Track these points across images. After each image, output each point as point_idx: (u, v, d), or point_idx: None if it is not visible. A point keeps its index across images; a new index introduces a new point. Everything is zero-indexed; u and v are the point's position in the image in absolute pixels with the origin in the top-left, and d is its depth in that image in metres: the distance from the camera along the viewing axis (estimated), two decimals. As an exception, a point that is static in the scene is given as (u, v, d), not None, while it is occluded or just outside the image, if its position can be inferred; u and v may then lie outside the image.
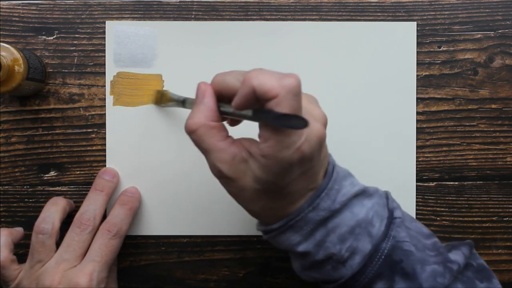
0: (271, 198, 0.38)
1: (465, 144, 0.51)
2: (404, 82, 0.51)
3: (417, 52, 0.51)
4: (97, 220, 0.46)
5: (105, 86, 0.50)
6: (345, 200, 0.39)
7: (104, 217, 0.48)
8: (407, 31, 0.51)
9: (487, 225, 0.52)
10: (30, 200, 0.50)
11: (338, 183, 0.40)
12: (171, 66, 0.50)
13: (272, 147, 0.35)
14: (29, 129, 0.50)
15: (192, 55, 0.50)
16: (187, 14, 0.50)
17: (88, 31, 0.50)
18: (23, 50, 0.46)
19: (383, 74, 0.51)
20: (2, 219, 0.50)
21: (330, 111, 0.50)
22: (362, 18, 0.51)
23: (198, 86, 0.39)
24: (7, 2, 0.50)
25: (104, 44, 0.50)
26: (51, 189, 0.50)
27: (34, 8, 0.50)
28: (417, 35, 0.51)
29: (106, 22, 0.50)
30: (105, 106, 0.50)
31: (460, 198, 0.51)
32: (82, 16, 0.50)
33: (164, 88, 0.50)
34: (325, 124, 0.38)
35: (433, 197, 0.51)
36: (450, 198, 0.51)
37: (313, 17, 0.51)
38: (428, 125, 0.51)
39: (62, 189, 0.50)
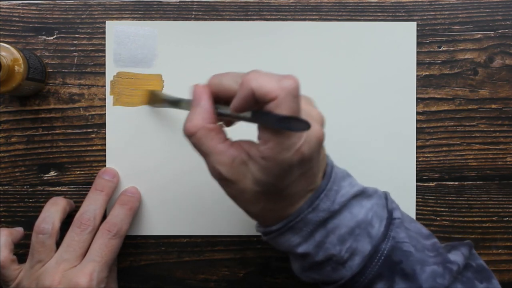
0: (271, 199, 0.38)
1: (465, 144, 0.51)
2: (404, 82, 0.51)
3: (417, 52, 0.51)
4: (97, 220, 0.46)
5: (105, 86, 0.50)
6: (344, 201, 0.39)
7: (104, 217, 0.48)
8: (407, 31, 0.51)
9: (487, 225, 0.52)
10: (30, 200, 0.50)
11: (337, 184, 0.40)
12: (171, 66, 0.50)
13: (272, 149, 0.35)
14: (29, 129, 0.50)
15: (192, 55, 0.50)
16: (187, 14, 0.50)
17: (88, 31, 0.50)
18: (23, 50, 0.46)
19: (383, 74, 0.51)
20: (2, 219, 0.50)
21: (330, 111, 0.51)
22: (362, 18, 0.51)
23: (193, 88, 0.39)
24: (7, 2, 0.50)
25: (104, 44, 0.50)
26: (51, 189, 0.50)
27: (34, 8, 0.50)
28: (417, 35, 0.51)
29: (106, 22, 0.50)
30: (105, 106, 0.50)
31: (460, 198, 0.51)
32: (82, 16, 0.50)
33: (164, 88, 0.50)
34: (323, 125, 0.38)
35: (433, 197, 0.51)
36: (450, 198, 0.51)
37: (313, 17, 0.51)
38: (428, 125, 0.51)
39: (62, 189, 0.50)
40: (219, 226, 0.51)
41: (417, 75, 0.51)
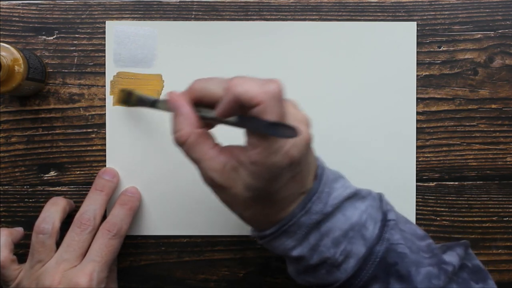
0: (263, 204, 0.38)
1: (465, 144, 0.51)
2: (404, 82, 0.51)
3: (417, 52, 0.51)
4: (97, 220, 0.46)
5: (105, 86, 0.50)
6: (337, 203, 0.39)
7: (104, 217, 0.48)
8: (407, 31, 0.51)
9: (487, 225, 0.52)
10: (30, 200, 0.50)
11: (329, 185, 0.40)
12: (171, 66, 0.50)
13: (260, 153, 0.35)
14: (29, 129, 0.50)
15: (192, 55, 0.50)
16: (187, 14, 0.50)
17: (88, 31, 0.50)
18: (23, 50, 0.46)
19: (383, 74, 0.51)
20: (2, 219, 0.50)
21: (330, 111, 0.51)
22: (362, 18, 0.51)
23: (168, 98, 0.39)
24: (7, 2, 0.50)
25: (104, 44, 0.50)
26: (51, 189, 0.50)
27: (34, 8, 0.50)
28: (417, 35, 0.51)
29: (106, 22, 0.50)
30: (105, 106, 0.50)
31: (460, 198, 0.51)
32: (82, 16, 0.50)
33: (164, 89, 0.50)
34: (309, 127, 0.38)
35: (433, 197, 0.51)
36: (450, 198, 0.51)
37: (313, 17, 0.51)
38: (428, 125, 0.51)
39: (62, 189, 0.50)
40: (219, 226, 0.51)
41: (417, 75, 0.51)
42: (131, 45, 0.50)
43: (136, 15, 0.50)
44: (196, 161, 0.38)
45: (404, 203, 0.51)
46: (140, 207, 0.50)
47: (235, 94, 0.34)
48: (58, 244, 0.45)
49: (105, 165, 0.50)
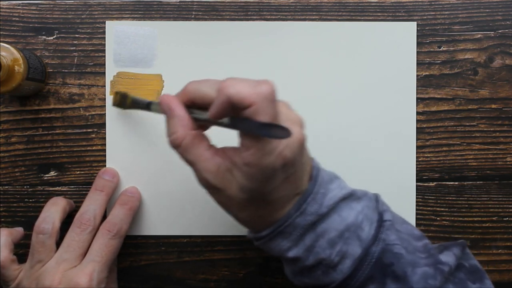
0: (258, 205, 0.38)
1: (465, 144, 0.51)
2: (404, 82, 0.51)
3: (417, 52, 0.51)
4: (97, 220, 0.46)
5: (105, 86, 0.50)
6: (332, 203, 0.39)
7: (104, 217, 0.48)
8: (407, 31, 0.51)
9: (487, 225, 0.52)
10: (30, 200, 0.50)
11: (324, 186, 0.40)
12: (171, 66, 0.50)
13: (253, 154, 0.35)
14: (29, 129, 0.50)
15: (192, 55, 0.50)
16: (187, 14, 0.50)
17: (88, 31, 0.50)
18: (23, 50, 0.46)
19: (383, 74, 0.51)
20: (2, 219, 0.50)
21: (330, 111, 0.51)
22: (362, 18, 0.51)
23: (161, 101, 0.39)
24: (7, 2, 0.50)
25: (104, 44, 0.50)
26: (51, 189, 0.50)
27: (34, 8, 0.50)
28: (417, 35, 0.51)
29: (106, 22, 0.50)
30: (105, 106, 0.50)
31: (460, 198, 0.51)
32: (82, 16, 0.50)
33: (164, 89, 0.50)
34: (303, 127, 0.38)
35: (433, 197, 0.51)
36: (450, 198, 0.51)
37: (313, 17, 0.51)
38: (428, 125, 0.51)
39: (62, 189, 0.50)
40: (219, 226, 0.51)
41: (417, 75, 0.51)
42: (131, 45, 0.50)
43: (136, 15, 0.50)
44: (191, 163, 0.38)
45: (404, 203, 0.51)
46: (140, 207, 0.50)
47: (227, 96, 0.34)
48: (58, 244, 0.45)
49: (105, 165, 0.50)
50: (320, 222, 0.39)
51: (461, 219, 0.52)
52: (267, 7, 0.50)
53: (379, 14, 0.51)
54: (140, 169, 0.50)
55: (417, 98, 0.51)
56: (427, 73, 0.51)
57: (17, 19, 0.50)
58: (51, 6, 0.50)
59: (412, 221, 0.51)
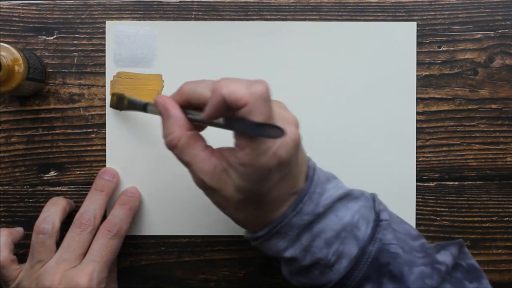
0: (254, 206, 0.38)
1: (465, 144, 0.51)
2: (404, 82, 0.51)
3: (417, 52, 0.51)
4: (97, 220, 0.46)
5: (105, 86, 0.50)
6: (328, 203, 0.39)
7: (104, 217, 0.48)
8: (407, 31, 0.51)
9: (487, 225, 0.52)
10: (30, 200, 0.50)
11: (320, 186, 0.40)
12: (171, 66, 0.50)
13: (248, 154, 0.35)
14: (29, 129, 0.50)
15: (192, 55, 0.50)
16: (187, 14, 0.50)
17: (88, 31, 0.50)
18: (23, 50, 0.46)
19: (383, 74, 0.51)
20: (2, 219, 0.50)
21: (330, 111, 0.51)
22: (362, 18, 0.51)
23: (156, 102, 0.39)
24: (7, 2, 0.50)
25: (104, 44, 0.50)
26: (51, 189, 0.50)
27: (34, 8, 0.50)
28: (417, 35, 0.51)
29: (106, 22, 0.50)
30: (105, 106, 0.50)
31: (460, 198, 0.51)
32: (82, 16, 0.50)
33: (164, 89, 0.50)
34: (298, 127, 0.38)
35: (433, 197, 0.51)
36: (450, 198, 0.51)
37: (313, 17, 0.51)
38: (428, 125, 0.51)
39: (62, 189, 0.50)
40: (219, 226, 0.51)
41: (417, 75, 0.51)
42: (131, 45, 0.50)
43: (136, 15, 0.50)
44: (187, 163, 0.38)
45: (404, 203, 0.51)
46: (140, 207, 0.50)
47: (221, 96, 0.34)
48: (58, 244, 0.45)
49: (105, 165, 0.50)
50: (317, 222, 0.39)
51: (461, 219, 0.52)
52: (267, 7, 0.50)
53: (379, 14, 0.51)
54: (140, 169, 0.50)
55: (417, 98, 0.51)
56: (427, 73, 0.51)
57: (17, 19, 0.50)
58: (51, 6, 0.50)
59: (412, 221, 0.51)
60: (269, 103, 0.35)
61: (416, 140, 0.51)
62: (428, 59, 0.51)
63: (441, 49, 0.51)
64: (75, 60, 0.50)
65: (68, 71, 0.50)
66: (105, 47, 0.50)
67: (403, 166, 0.51)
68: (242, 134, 0.35)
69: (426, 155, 0.51)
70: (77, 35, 0.50)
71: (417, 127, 0.51)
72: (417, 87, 0.51)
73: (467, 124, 0.51)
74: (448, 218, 0.51)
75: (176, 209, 0.50)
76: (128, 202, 0.48)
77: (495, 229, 0.52)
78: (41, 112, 0.50)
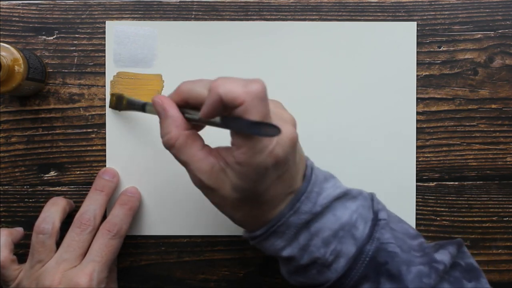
0: (251, 205, 0.38)
1: (465, 144, 0.51)
2: (404, 82, 0.51)
3: (417, 52, 0.51)
4: (97, 220, 0.46)
5: (105, 86, 0.50)
6: (326, 202, 0.39)
7: (104, 217, 0.48)
8: (407, 31, 0.51)
9: (487, 225, 0.52)
10: (30, 200, 0.50)
11: (318, 185, 0.40)
12: (171, 66, 0.50)
13: (245, 153, 0.35)
14: (29, 129, 0.50)
15: (192, 55, 0.50)
16: (187, 14, 0.50)
17: (88, 31, 0.50)
18: (23, 50, 0.46)
19: (383, 74, 0.51)
20: (2, 219, 0.50)
21: (330, 111, 0.51)
22: (362, 18, 0.51)
23: (154, 102, 0.40)
24: (7, 2, 0.50)
25: (104, 44, 0.50)
26: (51, 189, 0.50)
27: (34, 8, 0.50)
28: (417, 35, 0.51)
29: (106, 22, 0.50)
30: (105, 106, 0.50)
31: (460, 198, 0.51)
32: (82, 16, 0.50)
33: (164, 89, 0.50)
34: (295, 126, 0.38)
35: (433, 197, 0.51)
36: (450, 198, 0.51)
37: (313, 17, 0.51)
38: (428, 125, 0.51)
39: (62, 189, 0.50)
40: (219, 226, 0.51)
41: (417, 75, 0.51)
42: (131, 45, 0.50)
43: (136, 15, 0.50)
44: (184, 163, 0.38)
45: (404, 203, 0.51)
46: (140, 207, 0.50)
47: (218, 95, 0.34)
48: (58, 244, 0.45)
49: (105, 165, 0.50)
50: (314, 221, 0.39)
51: (461, 219, 0.52)
52: (267, 7, 0.50)
53: (379, 14, 0.51)
54: (140, 169, 0.50)
55: (417, 98, 0.51)
56: (427, 73, 0.51)
57: (17, 19, 0.50)
58: (51, 6, 0.50)
59: (412, 221, 0.51)
60: (265, 102, 0.35)
61: (416, 140, 0.51)
62: (428, 59, 0.51)
63: (441, 49, 0.51)
64: (75, 60, 0.50)
65: (68, 71, 0.50)
66: (105, 47, 0.50)
67: (403, 166, 0.51)
68: (238, 133, 0.35)
69: (426, 155, 0.51)
70: (77, 35, 0.50)
71: (417, 127, 0.51)
72: (417, 87, 0.51)
73: (467, 124, 0.51)
74: (448, 218, 0.51)
75: (176, 209, 0.50)
76: (128, 202, 0.48)
77: (495, 229, 0.52)
78: (41, 112, 0.50)
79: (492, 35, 0.51)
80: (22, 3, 0.50)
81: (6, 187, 0.50)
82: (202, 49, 0.50)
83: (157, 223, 0.51)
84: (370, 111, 0.51)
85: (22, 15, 0.50)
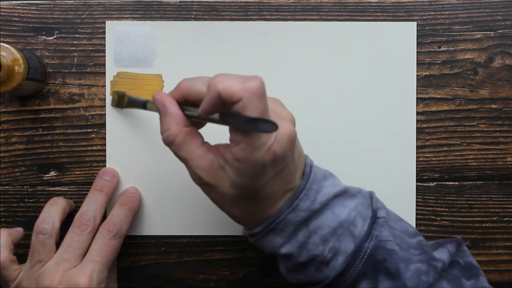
0: (250, 202, 0.38)
1: (465, 144, 0.51)
2: (404, 82, 0.51)
3: (417, 52, 0.51)
4: (97, 220, 0.46)
5: (105, 86, 0.50)
6: (325, 200, 0.39)
7: (104, 217, 0.48)
8: (407, 31, 0.51)
9: (487, 225, 0.52)
10: (30, 200, 0.50)
11: (317, 183, 0.40)
12: (171, 66, 0.50)
13: (243, 150, 0.35)
14: (29, 129, 0.50)
15: (192, 55, 0.50)
16: (187, 14, 0.50)
17: (88, 31, 0.50)
18: (23, 50, 0.46)
19: (383, 74, 0.51)
20: (2, 219, 0.50)
21: (330, 111, 0.51)
22: (362, 18, 0.51)
23: (154, 99, 0.40)
24: (7, 2, 0.50)
25: (104, 44, 0.50)
26: (51, 189, 0.50)
27: (34, 8, 0.50)
28: (417, 35, 0.51)
29: (106, 22, 0.50)
30: (105, 106, 0.50)
31: (460, 198, 0.51)
32: (82, 16, 0.50)
33: (164, 89, 0.50)
34: (294, 124, 0.38)
35: (433, 197, 0.51)
36: (450, 198, 0.51)
37: (313, 17, 0.51)
38: (428, 125, 0.51)
39: (62, 189, 0.50)
40: (219, 226, 0.51)
41: (417, 75, 0.51)
42: (131, 45, 0.50)
43: (136, 15, 0.50)
44: (184, 160, 0.39)
45: (404, 203, 0.51)
46: (140, 207, 0.50)
47: (216, 91, 0.35)
48: (58, 244, 0.45)
49: (105, 165, 0.50)
50: (313, 219, 0.39)
51: (461, 219, 0.52)
52: (267, 7, 0.50)
53: (379, 14, 0.51)
54: (140, 169, 0.50)
55: (417, 98, 0.51)
56: (427, 73, 0.51)
57: (17, 19, 0.50)
58: (51, 6, 0.50)
59: (412, 221, 0.51)
60: (263, 99, 0.35)
61: (416, 140, 0.51)
62: (428, 59, 0.51)
63: (441, 49, 0.51)
64: (75, 60, 0.50)
65: (68, 71, 0.50)
66: (105, 47, 0.50)
67: (403, 166, 0.51)
68: (237, 129, 0.35)
69: (426, 155, 0.51)
70: (77, 35, 0.50)
71: (417, 127, 0.51)
72: (417, 87, 0.51)
73: (467, 124, 0.51)
74: (448, 218, 0.51)
75: (176, 209, 0.50)
76: (128, 202, 0.48)
77: (495, 229, 0.52)
78: (41, 112, 0.50)
79: (492, 35, 0.51)
80: (22, 3, 0.50)
81: (6, 187, 0.50)
82: (202, 49, 0.50)
83: (157, 223, 0.51)
84: (370, 111, 0.51)
85: (22, 15, 0.50)
